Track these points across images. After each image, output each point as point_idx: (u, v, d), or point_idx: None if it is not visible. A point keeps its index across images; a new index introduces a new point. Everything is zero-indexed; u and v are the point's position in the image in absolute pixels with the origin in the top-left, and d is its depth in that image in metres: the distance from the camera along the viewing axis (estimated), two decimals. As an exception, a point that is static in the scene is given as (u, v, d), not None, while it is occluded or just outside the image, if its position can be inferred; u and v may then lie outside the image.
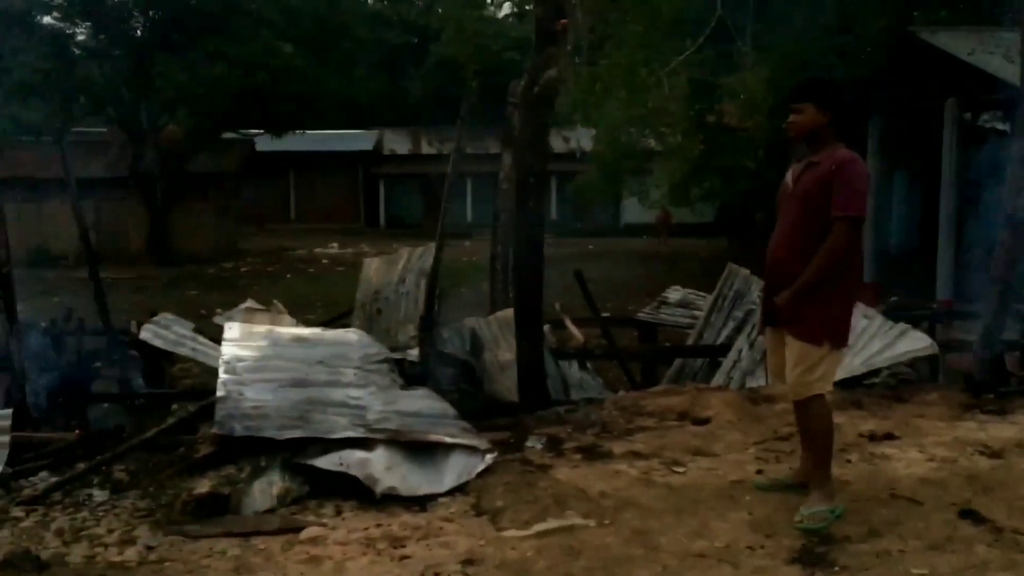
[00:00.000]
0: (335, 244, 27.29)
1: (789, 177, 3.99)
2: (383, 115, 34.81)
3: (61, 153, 9.67)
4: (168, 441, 5.20)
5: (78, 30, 24.34)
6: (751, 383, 6.85)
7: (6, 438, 5.15)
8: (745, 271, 8.31)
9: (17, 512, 4.41)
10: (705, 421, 5.51)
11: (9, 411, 5.36)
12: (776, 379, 4.33)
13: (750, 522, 3.84)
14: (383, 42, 33.46)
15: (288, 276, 21.42)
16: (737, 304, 8.11)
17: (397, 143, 35.26)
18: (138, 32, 23.67)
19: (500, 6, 33.55)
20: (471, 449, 4.71)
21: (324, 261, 24.30)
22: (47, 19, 23.86)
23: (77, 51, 24.06)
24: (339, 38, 23.46)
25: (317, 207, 33.78)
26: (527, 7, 20.55)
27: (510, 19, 34.42)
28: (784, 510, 3.92)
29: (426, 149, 34.16)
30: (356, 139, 34.15)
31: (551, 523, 3.91)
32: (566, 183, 25.60)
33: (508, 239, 8.21)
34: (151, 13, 22.86)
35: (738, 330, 7.83)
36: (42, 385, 6.52)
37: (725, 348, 7.75)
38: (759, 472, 4.51)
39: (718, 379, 7.36)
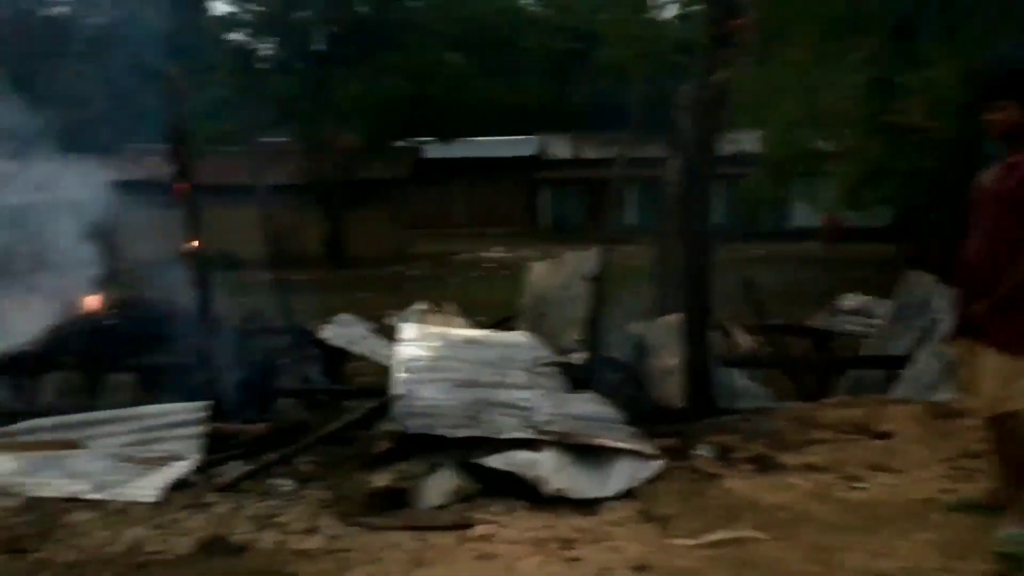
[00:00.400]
0: (499, 248, 27.75)
1: (986, 179, 3.75)
2: (546, 120, 35.16)
3: (250, 162, 10.32)
4: (348, 436, 5.46)
5: (264, 46, 25.96)
6: (936, 397, 6.45)
7: (203, 428, 5.56)
8: (930, 277, 7.83)
9: (212, 498, 4.76)
10: (886, 435, 5.25)
11: (208, 403, 5.78)
12: (967, 393, 4.08)
13: (938, 543, 3.64)
14: (549, 49, 33.85)
15: (454, 279, 21.97)
16: (920, 312, 7.65)
17: (560, 148, 35.51)
18: (318, 47, 25.00)
19: (665, 8, 33.20)
20: (639, 455, 4.70)
21: (489, 265, 24.76)
22: (236, 36, 25.65)
23: (263, 66, 25.68)
24: (506, 46, 23.96)
25: (482, 212, 34.50)
26: (694, 7, 20.20)
27: (675, 20, 33.97)
28: (976, 532, 3.69)
29: (588, 154, 34.20)
30: (520, 145, 34.63)
31: (722, 534, 3.85)
32: (731, 186, 24.98)
33: (674, 243, 8.10)
34: (331, 29, 24.11)
35: (921, 340, 7.38)
36: (233, 380, 6.98)
37: (907, 359, 7.33)
38: (947, 491, 4.26)
39: (899, 391, 6.97)
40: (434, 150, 27.63)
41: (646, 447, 4.77)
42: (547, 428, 4.87)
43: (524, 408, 5.09)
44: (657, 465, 4.65)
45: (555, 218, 34.74)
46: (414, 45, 22.25)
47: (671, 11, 31.28)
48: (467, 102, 23.45)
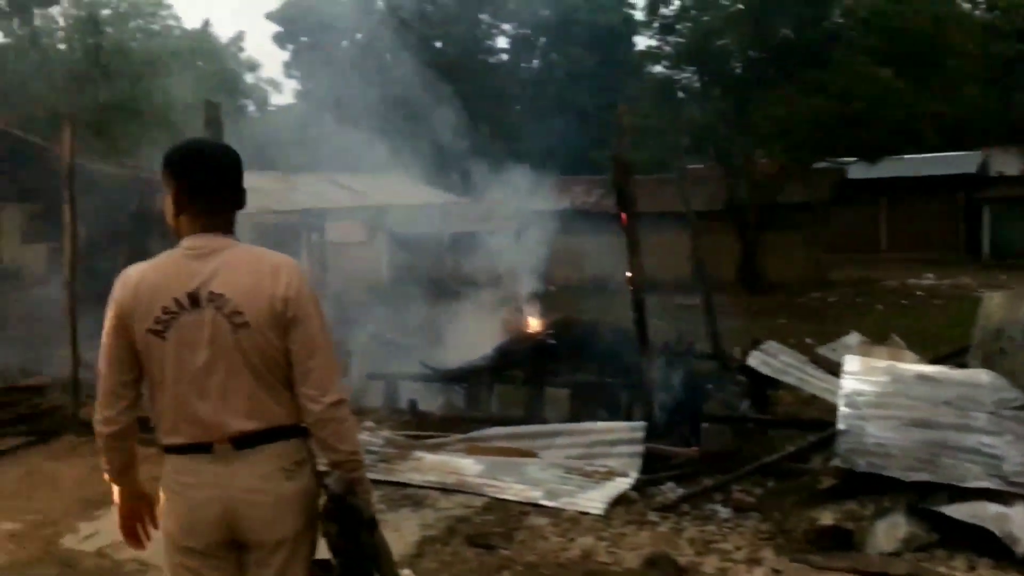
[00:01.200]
0: (930, 275, 25.37)
1: None
2: (989, 134, 31.46)
3: (676, 189, 10.56)
4: (785, 468, 5.32)
5: (683, 75, 26.57)
6: None
7: (641, 448, 5.78)
8: None
9: (653, 516, 4.91)
10: None
11: (643, 423, 6.00)
12: None
13: None
14: (993, 55, 30.33)
15: (879, 307, 20.50)
16: None
17: (1007, 164, 31.56)
18: (737, 71, 24.97)
19: None
20: None
21: (918, 293, 22.76)
22: (657, 68, 26.59)
23: (682, 94, 26.28)
24: (943, 56, 21.95)
25: (909, 235, 31.79)
26: None
27: None
28: None
29: (1043, 169, 29.99)
30: (956, 161, 31.40)
31: None
32: None
33: None
34: (750, 53, 23.97)
35: None
36: (662, 402, 7.17)
37: None
38: None
39: None
40: (856, 170, 26.08)
41: None
42: (1018, 480, 4.32)
43: (990, 455, 4.57)
44: None
45: (997, 242, 30.90)
46: (839, 61, 21.28)
47: None
48: (896, 118, 21.78)
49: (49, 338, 8.96)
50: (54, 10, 24.62)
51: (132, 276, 2.31)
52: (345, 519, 2.31)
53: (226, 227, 2.39)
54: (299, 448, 2.37)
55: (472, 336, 10.42)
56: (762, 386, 8.03)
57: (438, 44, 29.97)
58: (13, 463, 6.35)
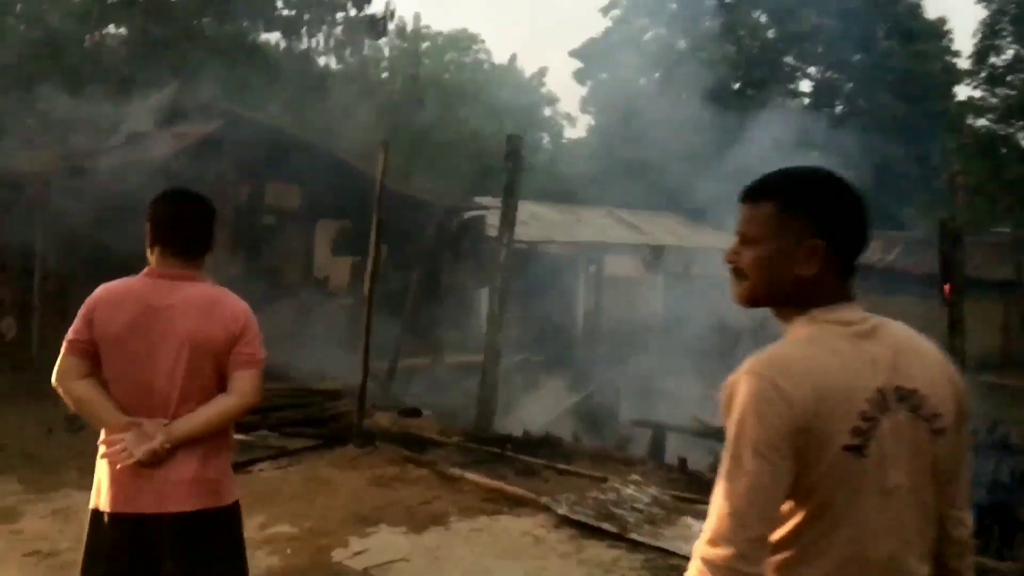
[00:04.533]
0: None
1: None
2: None
3: (1010, 253, 9.37)
4: None
5: (1009, 130, 24.07)
6: None
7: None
8: None
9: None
10: None
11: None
12: None
13: None
14: None
15: None
16: None
17: None
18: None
19: None
20: None
21: None
22: (981, 121, 24.31)
23: (1004, 150, 23.80)
24: None
25: None
26: None
27: None
28: None
29: None
30: None
31: None
32: None
33: None
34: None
35: None
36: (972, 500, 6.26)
37: None
38: None
39: None
40: None
41: None
42: None
43: None
44: None
45: None
46: None
47: None
48: None
49: (346, 345, 9.58)
50: (382, 41, 26.97)
51: (795, 365, 1.58)
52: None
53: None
54: None
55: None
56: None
57: (735, 85, 29.31)
58: (299, 465, 6.76)
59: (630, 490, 6.18)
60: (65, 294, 9.20)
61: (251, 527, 5.28)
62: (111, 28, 17.18)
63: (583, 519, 5.54)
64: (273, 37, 18.08)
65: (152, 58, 14.23)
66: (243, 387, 2.63)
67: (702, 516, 5.67)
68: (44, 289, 10.51)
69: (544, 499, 5.93)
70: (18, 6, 13.03)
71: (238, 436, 7.36)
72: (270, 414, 8.36)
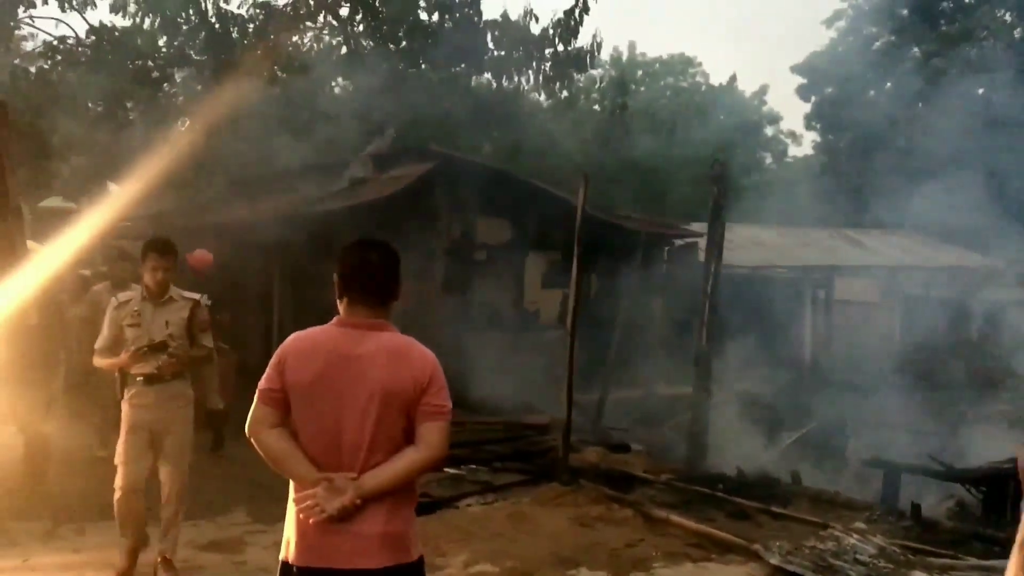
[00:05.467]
0: None
1: None
2: None
3: None
4: None
5: None
6: None
7: None
8: None
9: None
10: None
11: None
12: None
13: None
14: None
15: None
16: None
17: None
18: None
19: None
20: None
21: None
22: None
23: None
24: None
25: None
26: None
27: None
28: None
29: None
30: None
31: None
32: None
33: None
34: None
35: None
36: None
37: None
38: None
39: None
40: None
41: None
42: None
43: None
44: None
45: None
46: None
47: None
48: None
49: (556, 378, 9.53)
50: (595, 72, 27.08)
51: None
52: None
53: None
54: None
55: (999, 431, 8.83)
56: None
57: (980, 90, 26.76)
58: (503, 501, 6.73)
59: (853, 539, 5.62)
60: (300, 328, 9.83)
61: (456, 564, 5.30)
62: (339, 79, 18.48)
63: (798, 570, 5.10)
64: (484, 79, 18.60)
65: (371, 106, 15.08)
66: (431, 440, 2.58)
67: (935, 571, 5.05)
68: (281, 323, 11.31)
69: (756, 546, 5.53)
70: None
71: (449, 470, 7.51)
72: (481, 448, 8.47)
